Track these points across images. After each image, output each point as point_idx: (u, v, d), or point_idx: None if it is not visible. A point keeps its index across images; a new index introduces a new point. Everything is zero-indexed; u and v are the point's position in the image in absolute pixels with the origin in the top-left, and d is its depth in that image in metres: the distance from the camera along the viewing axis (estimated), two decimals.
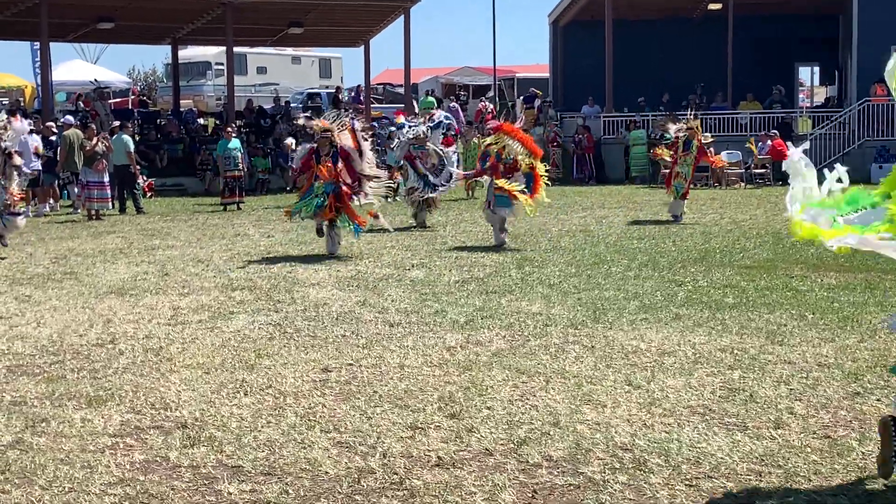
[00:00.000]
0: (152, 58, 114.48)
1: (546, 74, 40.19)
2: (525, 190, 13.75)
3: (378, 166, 14.24)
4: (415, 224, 16.83)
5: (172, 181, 24.78)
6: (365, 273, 11.86)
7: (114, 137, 20.18)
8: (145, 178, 22.83)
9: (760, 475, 5.15)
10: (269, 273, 11.94)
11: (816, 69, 38.28)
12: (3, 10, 26.16)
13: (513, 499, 4.89)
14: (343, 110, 31.00)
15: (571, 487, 5.02)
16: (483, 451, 5.54)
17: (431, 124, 17.35)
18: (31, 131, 17.77)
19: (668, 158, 17.43)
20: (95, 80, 34.61)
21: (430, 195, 16.64)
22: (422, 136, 16.64)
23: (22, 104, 31.86)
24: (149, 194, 22.76)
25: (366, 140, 13.53)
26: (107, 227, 17.35)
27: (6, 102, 33.75)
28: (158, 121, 28.64)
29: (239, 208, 20.56)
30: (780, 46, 31.57)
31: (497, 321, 8.93)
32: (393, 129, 17.18)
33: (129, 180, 20.29)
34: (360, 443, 5.69)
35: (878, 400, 6.33)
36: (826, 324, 8.59)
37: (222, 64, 32.38)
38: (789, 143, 5.28)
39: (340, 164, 13.11)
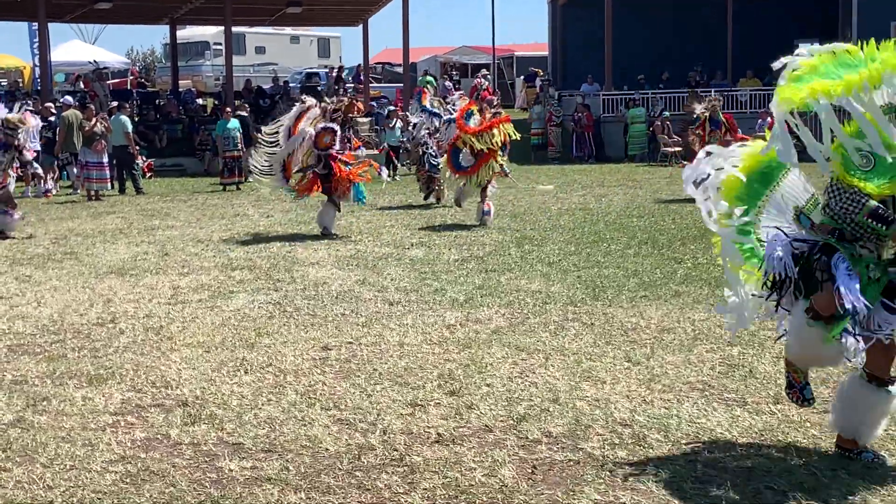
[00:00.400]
0: (151, 38, 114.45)
1: (545, 53, 40.10)
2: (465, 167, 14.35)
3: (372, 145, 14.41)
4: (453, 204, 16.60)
5: (171, 161, 24.70)
6: (364, 252, 11.87)
7: (112, 118, 20.11)
8: (144, 159, 22.75)
9: (760, 450, 5.17)
10: (269, 252, 11.95)
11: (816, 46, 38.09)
12: None
13: (512, 474, 4.91)
14: (342, 90, 30.88)
15: (571, 463, 5.04)
16: (483, 428, 5.56)
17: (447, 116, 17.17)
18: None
19: (697, 148, 17.43)
20: (94, 60, 34.52)
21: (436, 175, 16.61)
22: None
23: (21, 85, 31.80)
24: (148, 175, 22.69)
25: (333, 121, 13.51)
26: (106, 208, 17.33)
27: (5, 83, 33.69)
28: (157, 101, 28.55)
29: (238, 188, 20.54)
30: (779, 23, 31.40)
31: (496, 299, 8.94)
32: (423, 112, 16.95)
33: (128, 161, 20.22)
34: (361, 420, 5.71)
35: None
36: None
37: (221, 44, 32.26)
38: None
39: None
